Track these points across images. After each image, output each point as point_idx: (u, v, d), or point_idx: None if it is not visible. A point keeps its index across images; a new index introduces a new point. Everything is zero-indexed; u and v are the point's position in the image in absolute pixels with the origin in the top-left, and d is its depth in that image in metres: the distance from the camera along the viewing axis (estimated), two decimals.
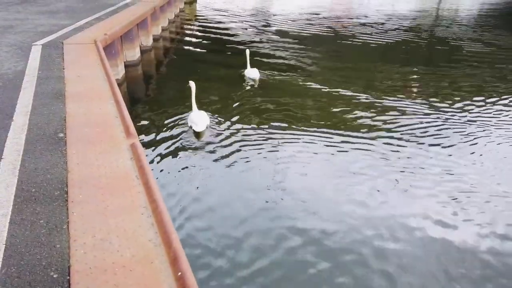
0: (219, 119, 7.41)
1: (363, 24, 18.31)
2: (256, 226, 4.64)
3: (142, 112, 7.69)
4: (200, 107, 7.29)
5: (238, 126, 7.18)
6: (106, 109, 4.38)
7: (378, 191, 5.42)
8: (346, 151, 6.53)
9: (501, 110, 8.41)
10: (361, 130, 7.22)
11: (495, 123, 7.75)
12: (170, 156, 6.11)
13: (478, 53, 13.50)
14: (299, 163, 6.03)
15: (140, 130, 6.75)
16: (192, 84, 7.21)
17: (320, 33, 16.22)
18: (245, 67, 9.81)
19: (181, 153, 6.22)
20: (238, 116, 7.55)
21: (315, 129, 7.21)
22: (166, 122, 7.27)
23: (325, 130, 7.17)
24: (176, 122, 7.25)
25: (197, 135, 6.76)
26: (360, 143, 6.77)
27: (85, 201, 2.77)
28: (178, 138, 6.67)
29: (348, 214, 4.93)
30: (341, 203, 5.17)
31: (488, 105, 8.70)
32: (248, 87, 9.35)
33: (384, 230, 4.66)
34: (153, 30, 12.99)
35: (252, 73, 9.60)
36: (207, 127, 6.91)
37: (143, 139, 6.50)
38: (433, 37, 16.44)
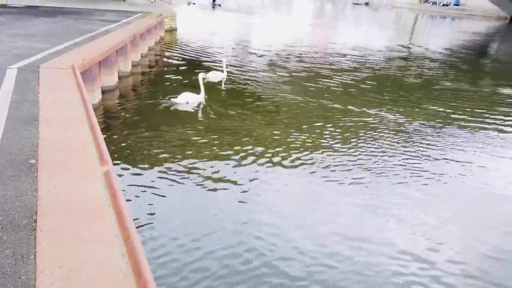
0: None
1: (337, 60, 19.01)
2: (232, 256, 4.60)
3: (117, 138, 7.63)
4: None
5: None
6: (80, 134, 4.35)
7: (346, 205, 5.54)
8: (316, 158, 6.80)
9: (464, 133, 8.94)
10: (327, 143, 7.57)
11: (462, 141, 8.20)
12: (145, 184, 6.05)
13: (440, 87, 14.22)
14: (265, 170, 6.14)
15: (115, 156, 6.68)
16: (199, 76, 10.30)
17: (291, 63, 16.69)
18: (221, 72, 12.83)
19: (157, 180, 6.17)
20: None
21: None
22: (141, 148, 7.22)
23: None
24: (152, 149, 7.22)
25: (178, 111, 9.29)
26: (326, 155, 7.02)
27: (55, 230, 2.71)
28: (155, 165, 6.63)
29: (319, 230, 4.99)
30: (310, 214, 5.27)
31: (457, 130, 9.14)
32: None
33: (355, 252, 4.73)
34: (132, 56, 13.07)
35: (214, 75, 12.55)
36: (187, 103, 9.69)
37: (117, 166, 6.43)
38: (404, 72, 17.19)
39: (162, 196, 5.77)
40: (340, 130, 8.91)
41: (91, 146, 4.08)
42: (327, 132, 8.72)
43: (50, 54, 8.37)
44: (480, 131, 9.57)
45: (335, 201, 6.04)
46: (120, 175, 6.12)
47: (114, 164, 6.10)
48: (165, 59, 15.98)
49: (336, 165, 7.17)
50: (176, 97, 9.80)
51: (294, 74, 14.60)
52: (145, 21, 16.35)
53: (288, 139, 8.17)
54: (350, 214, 5.73)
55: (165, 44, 19.20)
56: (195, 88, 10.32)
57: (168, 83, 12.14)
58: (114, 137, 7.65)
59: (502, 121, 10.46)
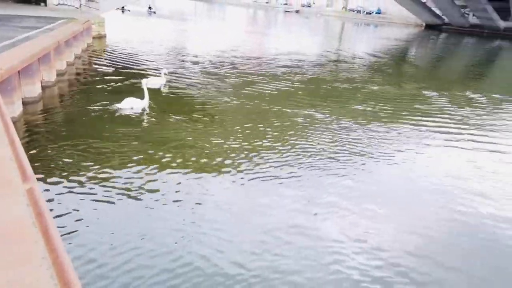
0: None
1: (271, 66, 19.46)
2: (168, 271, 4.47)
3: (42, 152, 7.08)
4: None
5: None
6: None
7: (292, 212, 5.67)
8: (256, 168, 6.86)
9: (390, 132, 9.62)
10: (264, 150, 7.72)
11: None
12: (75, 199, 5.68)
13: (366, 89, 15.17)
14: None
15: (40, 172, 6.19)
16: (143, 81, 10.31)
17: (227, 69, 16.79)
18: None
19: (87, 194, 5.83)
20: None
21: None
22: (71, 161, 6.78)
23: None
24: (81, 160, 6.81)
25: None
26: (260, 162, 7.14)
27: None
28: (84, 178, 6.25)
29: (262, 242, 5.03)
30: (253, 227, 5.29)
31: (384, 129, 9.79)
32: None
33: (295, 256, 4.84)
34: (56, 65, 12.27)
35: (153, 81, 12.09)
36: (132, 108, 9.57)
37: (43, 182, 5.96)
38: (334, 76, 18.06)
39: (95, 211, 5.46)
40: (275, 131, 9.22)
41: (11, 162, 3.74)
42: (263, 133, 8.97)
43: None
44: (402, 127, 10.41)
45: (272, 198, 6.23)
46: (47, 192, 5.69)
47: (40, 181, 5.68)
48: (93, 67, 15.23)
49: (272, 164, 7.42)
50: (120, 103, 9.59)
51: (230, 80, 14.67)
52: (70, 28, 15.46)
53: (226, 142, 8.27)
54: (285, 209, 5.92)
55: (93, 52, 18.31)
56: (127, 96, 9.97)
57: (97, 92, 11.56)
58: (38, 151, 7.10)
59: (421, 118, 11.40)
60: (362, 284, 4.54)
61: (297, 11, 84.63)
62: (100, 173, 6.47)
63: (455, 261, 5.13)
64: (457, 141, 9.74)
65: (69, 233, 4.89)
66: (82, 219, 5.26)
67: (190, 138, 8.32)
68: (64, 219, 5.14)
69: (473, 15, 53.15)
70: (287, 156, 7.83)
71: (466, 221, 6.11)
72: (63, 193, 5.81)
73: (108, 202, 5.71)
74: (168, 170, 6.83)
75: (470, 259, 5.25)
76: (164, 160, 7.18)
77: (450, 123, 11.22)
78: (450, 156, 8.78)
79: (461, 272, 4.96)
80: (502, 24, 50.07)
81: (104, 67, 15.13)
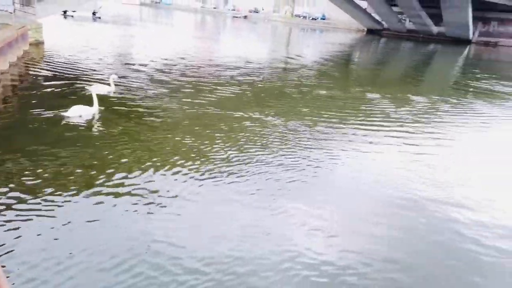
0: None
1: (221, 72, 19.48)
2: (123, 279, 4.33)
3: None
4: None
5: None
6: None
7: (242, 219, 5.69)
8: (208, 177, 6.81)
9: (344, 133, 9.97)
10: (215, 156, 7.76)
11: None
12: (13, 215, 5.32)
13: (314, 92, 15.65)
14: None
15: None
16: (92, 88, 10.22)
17: (176, 76, 16.57)
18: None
19: (26, 206, 5.52)
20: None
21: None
22: (6, 175, 6.34)
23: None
24: (20, 174, 6.39)
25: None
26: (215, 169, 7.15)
27: None
28: (24, 192, 5.87)
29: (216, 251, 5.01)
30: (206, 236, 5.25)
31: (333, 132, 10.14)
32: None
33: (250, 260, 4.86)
34: None
35: (99, 88, 11.72)
36: (80, 116, 9.27)
37: None
38: (283, 81, 18.42)
39: (35, 226, 5.15)
40: (224, 135, 9.28)
41: None
42: (212, 137, 9.00)
43: None
44: (347, 128, 10.87)
45: (223, 198, 6.38)
46: None
47: None
48: (31, 75, 14.37)
49: (222, 165, 7.53)
50: (66, 111, 9.19)
51: (179, 85, 14.49)
52: (3, 34, 14.49)
53: (177, 147, 8.26)
54: (236, 206, 6.12)
55: (31, 59, 17.27)
56: (72, 104, 9.57)
57: (36, 101, 10.88)
58: None
59: (365, 119, 11.95)
60: (316, 268, 4.78)
61: (245, 17, 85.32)
62: (42, 186, 6.11)
63: (396, 241, 5.70)
64: (398, 139, 10.35)
65: (7, 253, 4.57)
66: (19, 228, 4.97)
67: (141, 145, 8.16)
68: (1, 238, 4.79)
69: (409, 21, 56.57)
70: (236, 158, 7.97)
71: (404, 206, 6.73)
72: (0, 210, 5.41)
73: (50, 216, 5.40)
74: (117, 177, 6.64)
75: (408, 237, 5.85)
76: (113, 167, 6.95)
77: (391, 122, 11.86)
78: (391, 153, 9.34)
79: (402, 248, 5.52)
80: (435, 29, 53.72)
81: (42, 75, 14.32)
